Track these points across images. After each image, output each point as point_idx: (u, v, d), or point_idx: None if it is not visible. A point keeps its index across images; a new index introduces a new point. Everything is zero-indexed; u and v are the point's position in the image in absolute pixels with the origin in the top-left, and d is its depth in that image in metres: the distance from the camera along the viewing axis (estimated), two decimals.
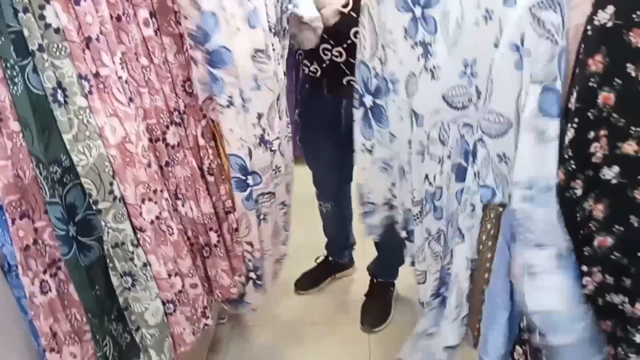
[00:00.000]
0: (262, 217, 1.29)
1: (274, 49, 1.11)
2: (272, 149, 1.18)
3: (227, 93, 1.03)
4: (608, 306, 0.83)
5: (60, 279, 1.11)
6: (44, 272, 1.07)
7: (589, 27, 0.70)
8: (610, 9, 0.68)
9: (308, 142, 1.88)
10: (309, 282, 2.20)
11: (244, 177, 1.15)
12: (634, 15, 0.66)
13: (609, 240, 0.78)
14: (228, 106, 1.04)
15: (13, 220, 1.00)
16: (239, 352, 1.96)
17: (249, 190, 1.19)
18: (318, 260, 2.25)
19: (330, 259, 2.22)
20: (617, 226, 0.77)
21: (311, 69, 1.59)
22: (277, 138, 1.17)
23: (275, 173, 1.25)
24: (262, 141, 1.13)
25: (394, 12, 0.95)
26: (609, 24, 0.68)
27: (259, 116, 1.10)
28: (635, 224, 0.75)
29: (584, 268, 0.81)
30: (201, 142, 1.30)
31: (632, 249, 0.76)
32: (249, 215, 1.27)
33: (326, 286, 2.24)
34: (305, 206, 2.02)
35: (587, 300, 0.83)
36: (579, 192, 0.76)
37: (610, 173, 0.74)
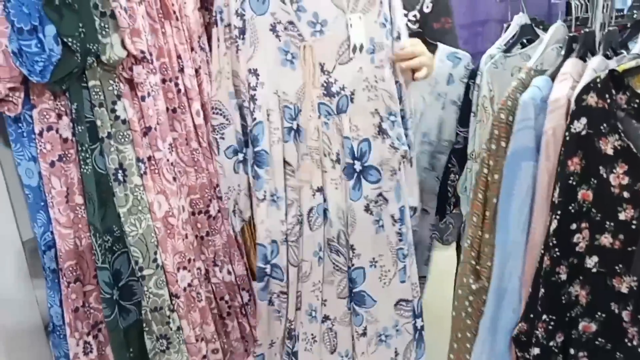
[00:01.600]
0: (277, 314, 1.27)
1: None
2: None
3: (264, 189, 1.17)
4: None
5: (100, 340, 1.23)
6: (88, 333, 1.20)
7: (567, 134, 0.83)
8: (584, 120, 0.81)
9: None
10: None
11: (263, 266, 1.21)
12: (601, 127, 0.79)
13: (593, 326, 0.86)
14: (262, 200, 1.17)
15: (68, 284, 1.15)
16: None
17: (265, 279, 1.23)
18: None
19: None
20: (599, 313, 0.85)
21: None
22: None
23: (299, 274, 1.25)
24: (286, 239, 1.21)
25: None
26: (583, 132, 0.81)
27: (286, 214, 1.19)
28: (616, 311, 0.82)
29: (572, 351, 0.88)
30: None
31: (615, 335, 0.83)
32: (260, 306, 1.25)
33: None
34: None
35: None
36: (563, 277, 0.85)
37: (591, 262, 0.84)
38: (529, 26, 1.48)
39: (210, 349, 1.37)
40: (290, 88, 1.12)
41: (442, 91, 1.49)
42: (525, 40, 1.48)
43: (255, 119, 1.13)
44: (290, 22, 1.08)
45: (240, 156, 1.21)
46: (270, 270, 1.22)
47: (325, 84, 1.11)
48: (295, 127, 1.15)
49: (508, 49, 1.44)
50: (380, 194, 1.18)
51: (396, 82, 1.16)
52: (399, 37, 1.13)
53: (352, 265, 1.20)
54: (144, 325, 1.20)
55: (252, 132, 1.15)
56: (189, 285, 1.30)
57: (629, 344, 0.80)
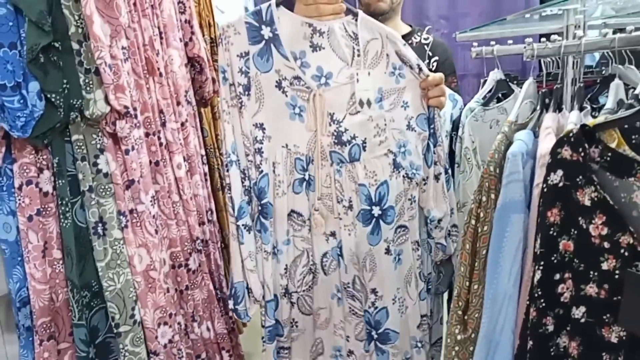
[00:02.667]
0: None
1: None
2: (292, 300, 1.22)
3: (271, 242, 1.16)
4: None
5: None
6: None
7: (544, 185, 0.85)
8: (560, 172, 0.83)
9: None
10: None
11: (274, 322, 1.21)
12: (577, 179, 0.81)
13: None
14: (270, 253, 1.16)
15: (41, 342, 1.10)
16: None
17: (276, 341, 1.23)
18: None
19: None
20: None
21: None
22: (296, 292, 1.21)
23: (292, 327, 1.25)
24: (287, 292, 1.20)
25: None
26: (560, 184, 0.83)
27: (286, 268, 1.19)
28: None
29: None
30: (219, 264, 1.42)
31: None
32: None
33: None
34: None
35: None
36: (550, 328, 0.85)
37: (578, 313, 0.83)
38: (504, 81, 1.55)
39: None
40: (302, 140, 1.14)
41: (447, 130, 1.53)
42: (500, 95, 1.55)
43: (262, 171, 1.14)
44: (296, 77, 1.11)
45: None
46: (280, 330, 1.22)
47: (335, 133, 1.13)
48: (307, 177, 1.15)
49: (486, 102, 1.50)
50: (400, 226, 1.19)
51: (428, 107, 1.18)
52: (420, 70, 1.14)
53: (375, 307, 1.19)
54: None
55: (258, 185, 1.15)
56: (170, 341, 1.25)
57: None
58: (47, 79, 1.02)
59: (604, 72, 1.41)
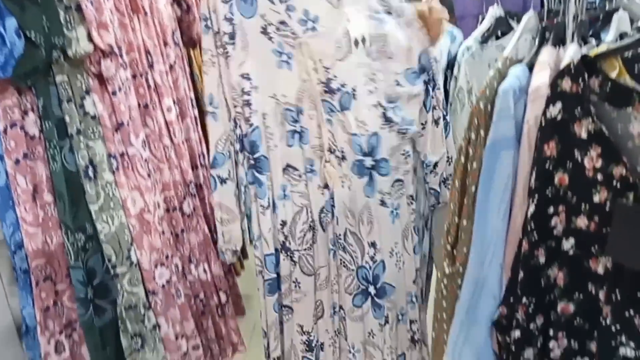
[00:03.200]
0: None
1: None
2: (293, 259, 1.20)
3: (268, 195, 1.14)
4: None
5: (74, 340, 1.20)
6: (60, 332, 1.17)
7: (542, 119, 0.83)
8: (559, 105, 0.81)
9: None
10: None
11: (274, 276, 1.19)
12: (575, 111, 0.79)
13: (571, 307, 0.86)
14: (267, 207, 1.14)
15: (37, 283, 1.11)
16: None
17: (277, 294, 1.21)
18: None
19: None
20: (577, 293, 0.85)
21: None
22: (297, 250, 1.19)
23: (295, 287, 1.22)
24: (284, 248, 1.18)
25: None
26: (559, 117, 0.81)
27: (283, 224, 1.17)
28: (593, 291, 0.83)
29: (551, 332, 0.88)
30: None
31: (592, 314, 0.83)
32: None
33: None
34: None
35: None
36: (542, 260, 0.85)
37: (567, 245, 0.84)
38: (503, 19, 1.49)
39: (191, 345, 1.35)
40: (290, 89, 1.10)
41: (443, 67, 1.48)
42: (500, 33, 1.49)
43: (252, 124, 1.10)
44: (282, 22, 1.05)
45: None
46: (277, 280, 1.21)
47: (325, 81, 1.09)
48: (298, 129, 1.12)
49: (484, 40, 1.45)
50: (396, 180, 1.17)
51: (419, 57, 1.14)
52: (399, 15, 1.10)
53: (374, 261, 1.19)
54: (120, 323, 1.18)
55: (248, 138, 1.12)
56: (168, 282, 1.27)
57: (604, 323, 0.80)
58: (25, 15, 0.97)
59: (607, 8, 1.36)
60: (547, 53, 0.99)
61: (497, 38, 1.48)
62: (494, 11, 1.52)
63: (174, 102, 1.34)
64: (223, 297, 1.43)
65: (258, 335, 2.44)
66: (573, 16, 1.18)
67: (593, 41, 1.08)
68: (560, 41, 1.10)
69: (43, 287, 1.12)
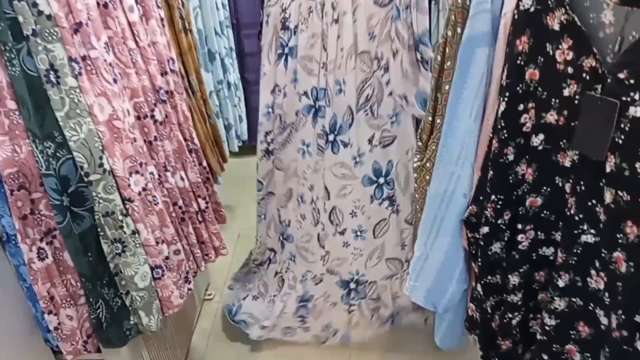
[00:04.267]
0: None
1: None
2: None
3: None
4: (541, 259, 0.94)
5: (55, 246, 1.21)
6: (41, 240, 1.18)
7: (515, 12, 0.80)
8: None
9: None
10: None
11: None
12: (549, 2, 0.76)
13: (539, 200, 0.89)
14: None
15: (12, 191, 1.10)
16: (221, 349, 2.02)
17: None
18: None
19: None
20: (544, 187, 0.88)
21: None
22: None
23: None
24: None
25: None
26: (532, 9, 0.79)
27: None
28: (560, 184, 0.86)
29: (519, 226, 0.92)
30: (187, 115, 1.40)
31: (558, 206, 0.87)
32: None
33: None
34: None
35: (522, 255, 0.94)
36: (510, 157, 0.87)
37: (537, 140, 0.85)
38: None
39: (172, 250, 1.39)
40: None
41: None
42: None
43: None
44: None
45: None
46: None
47: None
48: None
49: None
50: None
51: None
52: None
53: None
54: (99, 230, 1.19)
55: None
56: (144, 189, 1.28)
57: (568, 213, 0.84)
58: None
59: None
60: None
61: None
62: None
63: (136, 2, 1.26)
64: (202, 204, 1.46)
65: (242, 242, 2.57)
66: None
67: None
68: None
69: (18, 196, 1.12)
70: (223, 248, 1.58)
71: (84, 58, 1.11)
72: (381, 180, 1.52)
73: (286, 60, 1.48)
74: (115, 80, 1.19)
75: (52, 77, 1.07)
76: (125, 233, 1.21)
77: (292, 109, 1.59)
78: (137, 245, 1.23)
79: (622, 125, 0.70)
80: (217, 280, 2.31)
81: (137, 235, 1.23)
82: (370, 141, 1.48)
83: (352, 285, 1.73)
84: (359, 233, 1.60)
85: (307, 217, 1.72)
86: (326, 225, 1.64)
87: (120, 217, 1.19)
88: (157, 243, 1.30)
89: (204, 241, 1.51)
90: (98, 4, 1.15)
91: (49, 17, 1.04)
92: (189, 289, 1.44)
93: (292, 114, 1.59)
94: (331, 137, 1.49)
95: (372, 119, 1.44)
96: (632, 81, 0.68)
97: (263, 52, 1.55)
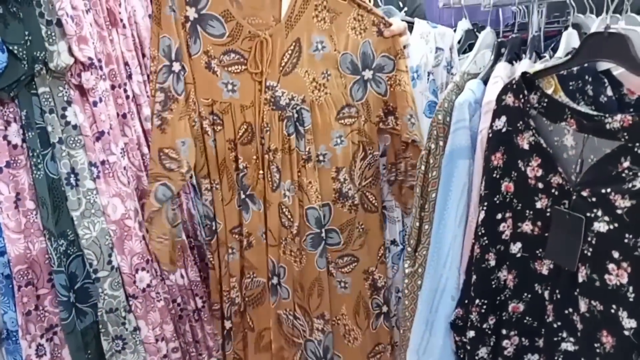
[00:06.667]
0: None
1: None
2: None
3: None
4: None
5: (55, 343, 1.24)
6: (41, 336, 1.21)
7: (489, 131, 0.90)
8: (504, 118, 0.88)
9: None
10: None
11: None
12: (518, 125, 0.86)
13: (521, 307, 0.93)
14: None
15: (19, 287, 1.16)
16: None
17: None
18: None
19: None
20: (525, 293, 0.92)
21: None
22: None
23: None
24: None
25: None
26: (504, 130, 0.88)
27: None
28: (540, 291, 0.90)
29: (504, 331, 0.95)
30: (193, 213, 1.48)
31: (539, 313, 0.90)
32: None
33: None
34: None
35: None
36: (492, 263, 0.92)
37: (515, 248, 0.91)
38: (472, 31, 1.57)
39: (171, 347, 1.39)
40: None
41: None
42: (467, 46, 1.57)
43: None
44: None
45: None
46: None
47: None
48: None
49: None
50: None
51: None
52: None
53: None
54: (100, 326, 1.22)
55: None
56: (148, 285, 1.32)
57: (548, 320, 0.87)
58: (8, 30, 1.02)
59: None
60: (502, 68, 1.07)
61: (465, 52, 1.57)
62: (463, 24, 1.60)
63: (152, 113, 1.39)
64: (199, 302, 1.48)
65: None
66: (536, 29, 1.26)
67: (547, 56, 1.16)
68: (516, 56, 1.18)
69: (25, 292, 1.17)
70: (217, 351, 1.58)
71: (102, 162, 1.21)
72: None
73: None
74: (129, 182, 1.29)
75: (72, 180, 1.16)
76: (127, 330, 1.23)
77: None
78: (138, 343, 1.25)
79: (589, 239, 0.76)
80: None
81: (138, 332, 1.26)
82: None
83: None
84: None
85: None
86: None
87: (124, 314, 1.23)
88: (157, 340, 1.31)
89: (198, 341, 1.52)
90: (118, 114, 1.28)
91: (75, 126, 1.16)
92: None
93: None
94: None
95: None
96: (594, 199, 0.75)
97: None
